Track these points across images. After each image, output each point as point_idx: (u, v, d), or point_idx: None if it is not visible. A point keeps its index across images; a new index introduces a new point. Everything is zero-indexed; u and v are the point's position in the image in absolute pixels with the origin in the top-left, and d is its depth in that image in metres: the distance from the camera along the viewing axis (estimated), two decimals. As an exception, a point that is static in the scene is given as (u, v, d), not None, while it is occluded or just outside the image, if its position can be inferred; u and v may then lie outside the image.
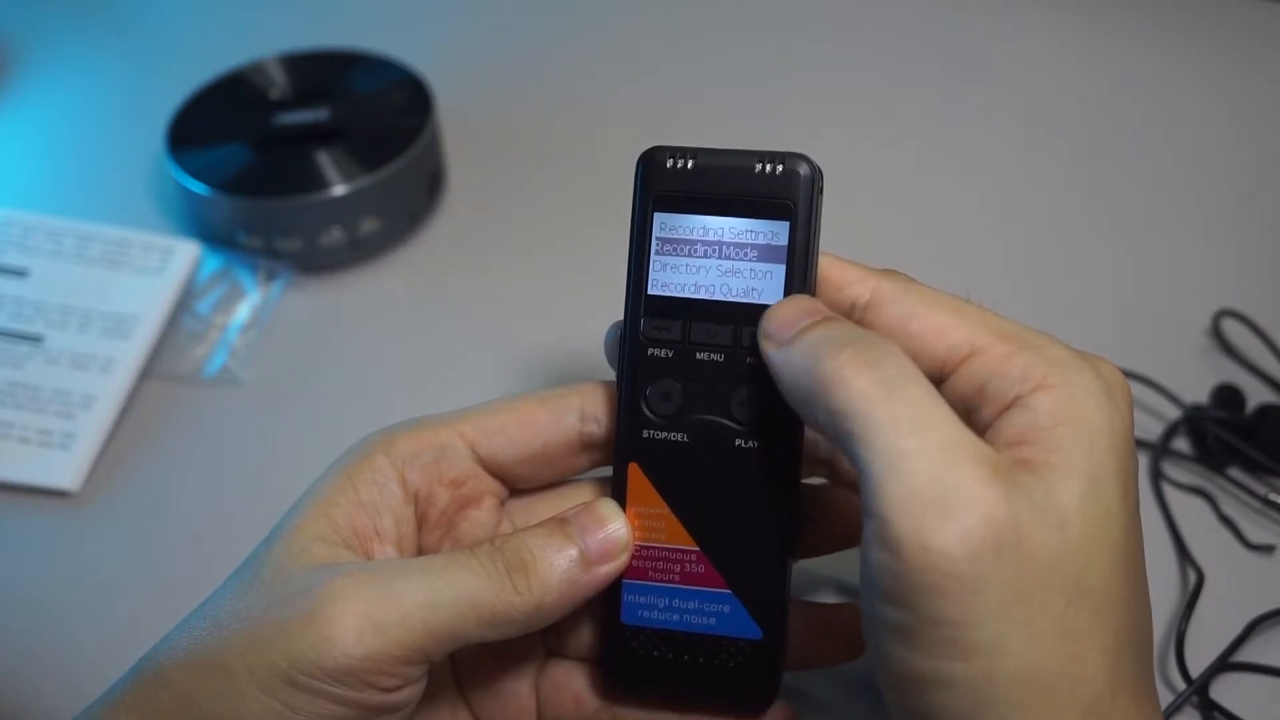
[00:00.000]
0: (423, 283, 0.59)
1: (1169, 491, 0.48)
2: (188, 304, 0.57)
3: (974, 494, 0.28)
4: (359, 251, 0.59)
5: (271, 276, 0.58)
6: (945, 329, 0.32)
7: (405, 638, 0.30)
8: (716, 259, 0.34)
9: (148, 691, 0.32)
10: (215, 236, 0.59)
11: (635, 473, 0.35)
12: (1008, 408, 0.30)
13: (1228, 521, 0.46)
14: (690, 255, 0.34)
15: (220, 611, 0.32)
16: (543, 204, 0.63)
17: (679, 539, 0.35)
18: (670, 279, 0.35)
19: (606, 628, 0.36)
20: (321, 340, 0.57)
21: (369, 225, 0.58)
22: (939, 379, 0.32)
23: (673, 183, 0.34)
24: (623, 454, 0.35)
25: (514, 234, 0.61)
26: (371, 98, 0.63)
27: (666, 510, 0.35)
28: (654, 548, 0.35)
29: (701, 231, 0.34)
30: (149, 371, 0.54)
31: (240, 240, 0.58)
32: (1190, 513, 0.47)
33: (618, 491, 0.35)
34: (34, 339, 0.54)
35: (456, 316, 0.57)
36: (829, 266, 0.34)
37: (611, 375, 0.37)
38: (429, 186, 0.61)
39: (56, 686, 0.43)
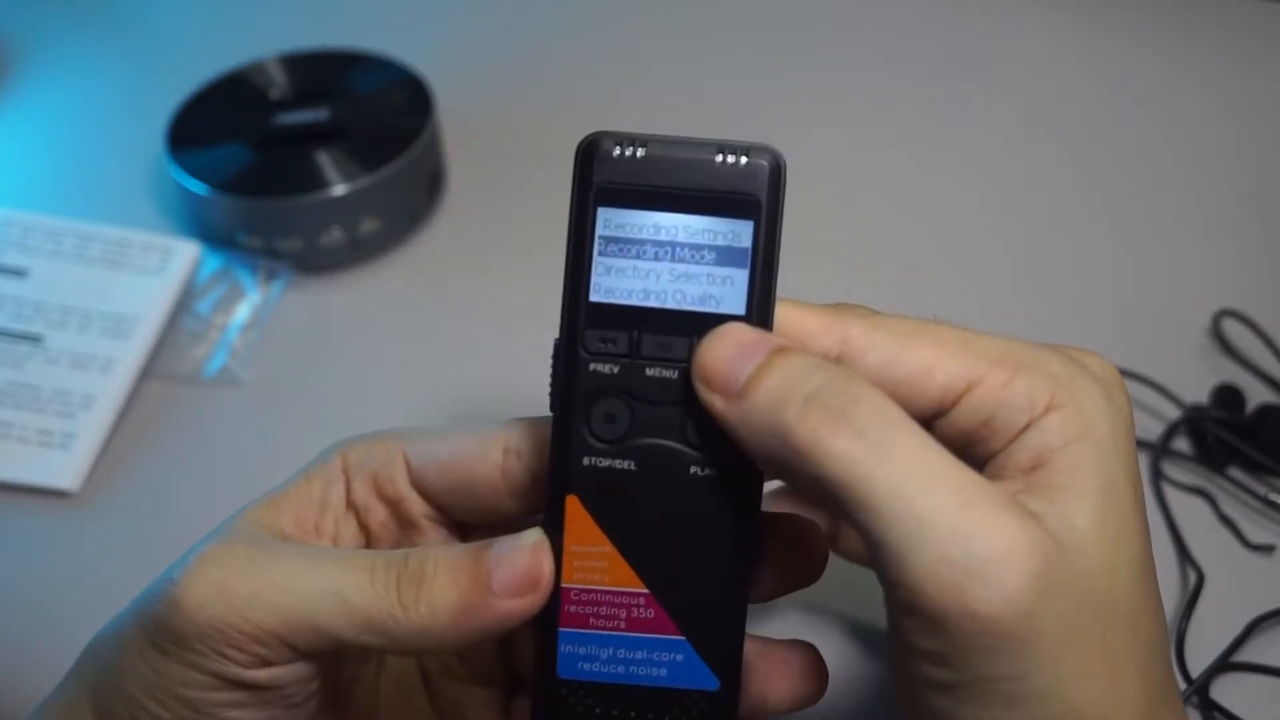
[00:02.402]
0: (423, 283, 0.59)
1: (1169, 491, 0.48)
2: (188, 304, 0.57)
3: (1008, 550, 0.26)
4: (359, 251, 0.59)
5: (271, 276, 0.58)
6: (932, 366, 0.30)
7: (253, 615, 0.29)
8: (669, 261, 0.30)
9: (82, 663, 0.33)
10: (215, 236, 0.59)
11: (574, 506, 0.31)
12: (1019, 434, 0.29)
13: (1228, 521, 0.46)
14: (639, 257, 0.30)
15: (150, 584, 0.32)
16: (543, 204, 0.63)
17: (625, 580, 0.31)
18: (615, 284, 0.30)
19: (539, 684, 0.32)
20: (321, 340, 0.57)
21: (369, 225, 0.58)
22: (936, 416, 0.30)
23: (619, 173, 0.30)
24: (558, 485, 0.31)
25: (514, 234, 0.61)
26: (371, 98, 0.63)
27: (610, 548, 0.31)
28: (595, 591, 0.31)
29: (652, 230, 0.30)
30: (149, 371, 0.54)
31: (240, 240, 0.58)
32: (1190, 513, 0.47)
33: (552, 528, 0.31)
34: (34, 339, 0.54)
35: (456, 316, 0.57)
36: (786, 316, 0.31)
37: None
38: (429, 186, 0.61)
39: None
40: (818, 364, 0.29)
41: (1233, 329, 0.53)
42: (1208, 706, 0.41)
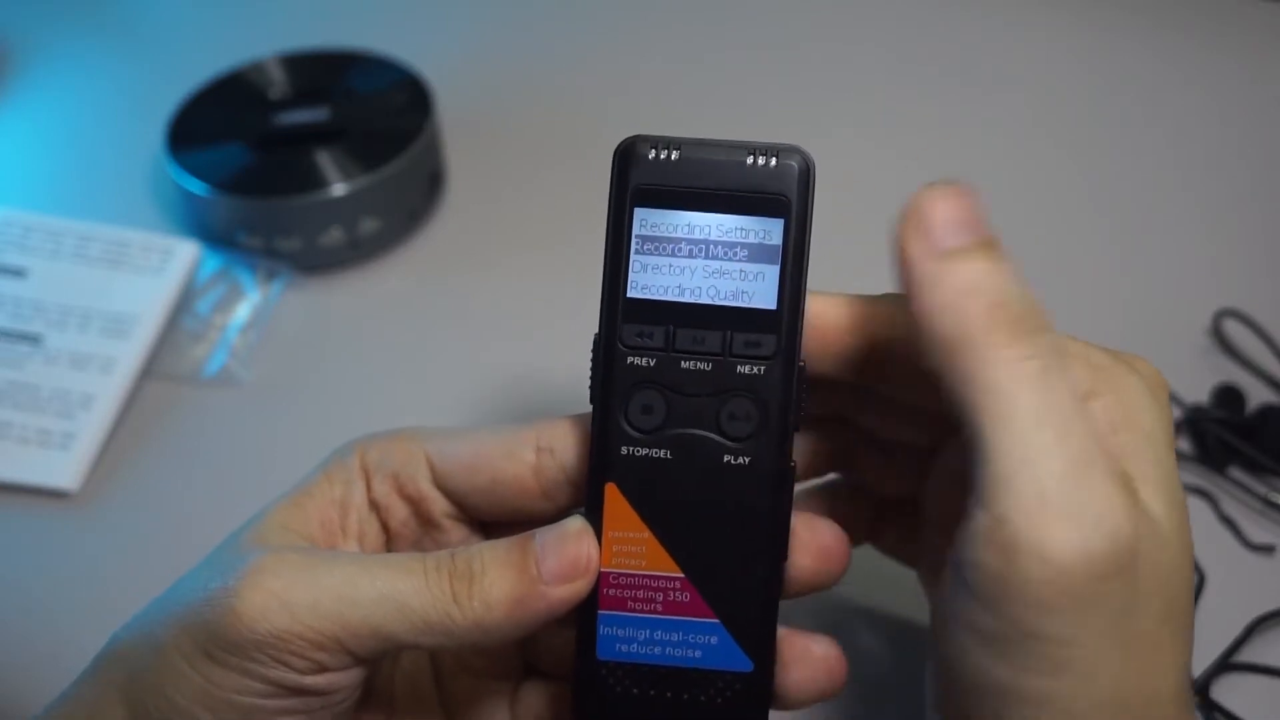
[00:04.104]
0: (423, 283, 0.59)
1: (1169, 491, 0.48)
2: (187, 304, 0.57)
3: (1105, 510, 0.26)
4: (359, 251, 0.59)
5: (271, 276, 0.58)
6: None
7: (316, 623, 0.30)
8: (703, 259, 0.32)
9: (107, 665, 0.32)
10: (215, 236, 0.59)
11: (613, 493, 0.32)
12: None
13: (1228, 522, 0.46)
14: (674, 255, 0.32)
15: (176, 589, 0.32)
16: (543, 204, 0.63)
17: (661, 565, 0.32)
18: (651, 280, 0.32)
19: (579, 664, 0.33)
20: (321, 340, 0.57)
21: (369, 225, 0.58)
22: None
23: (655, 175, 0.32)
24: (598, 473, 0.32)
25: (514, 234, 0.61)
26: (371, 98, 0.63)
27: (648, 534, 0.32)
28: (633, 575, 0.32)
29: (686, 229, 0.32)
30: (149, 371, 0.54)
31: (240, 240, 0.58)
32: (1190, 513, 0.47)
33: (593, 514, 0.32)
34: (33, 339, 0.54)
35: (457, 316, 0.57)
36: (817, 306, 0.32)
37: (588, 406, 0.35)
38: (429, 186, 0.61)
39: (56, 687, 0.43)
40: (1019, 280, 0.29)
41: (1233, 329, 0.53)
42: (1208, 707, 0.41)
